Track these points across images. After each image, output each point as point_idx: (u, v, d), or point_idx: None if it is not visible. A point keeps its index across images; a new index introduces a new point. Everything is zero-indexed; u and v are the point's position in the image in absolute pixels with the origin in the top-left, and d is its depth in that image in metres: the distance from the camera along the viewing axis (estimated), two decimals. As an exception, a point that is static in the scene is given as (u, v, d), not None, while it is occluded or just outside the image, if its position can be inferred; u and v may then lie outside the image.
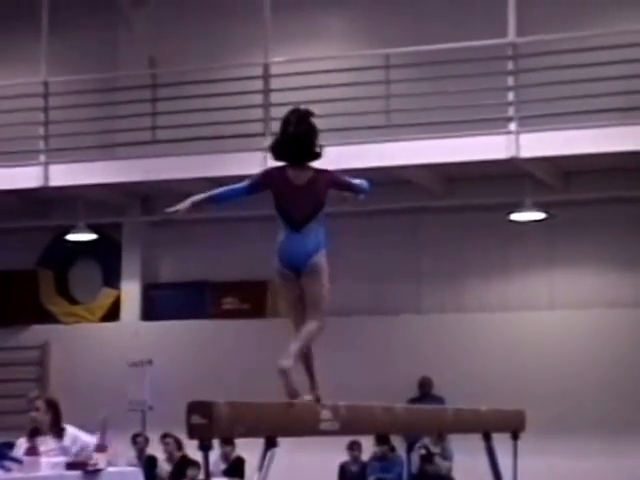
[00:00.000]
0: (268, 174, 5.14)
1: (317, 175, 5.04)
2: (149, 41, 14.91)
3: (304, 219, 5.01)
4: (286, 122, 5.00)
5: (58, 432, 7.49)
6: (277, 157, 5.09)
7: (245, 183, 5.20)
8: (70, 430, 7.64)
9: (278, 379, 4.76)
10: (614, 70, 11.71)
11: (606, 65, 11.74)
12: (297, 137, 4.95)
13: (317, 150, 5.02)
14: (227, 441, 12.19)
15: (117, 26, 15.23)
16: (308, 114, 5.01)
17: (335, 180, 5.14)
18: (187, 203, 5.09)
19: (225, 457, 12.56)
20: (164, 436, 12.69)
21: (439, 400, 12.91)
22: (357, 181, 5.26)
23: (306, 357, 5.14)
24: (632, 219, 13.26)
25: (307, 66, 13.09)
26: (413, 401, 12.82)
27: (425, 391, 13.34)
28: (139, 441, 13.13)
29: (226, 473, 12.44)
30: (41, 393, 8.02)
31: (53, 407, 7.59)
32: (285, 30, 13.85)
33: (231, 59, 14.26)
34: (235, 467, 12.49)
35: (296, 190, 4.98)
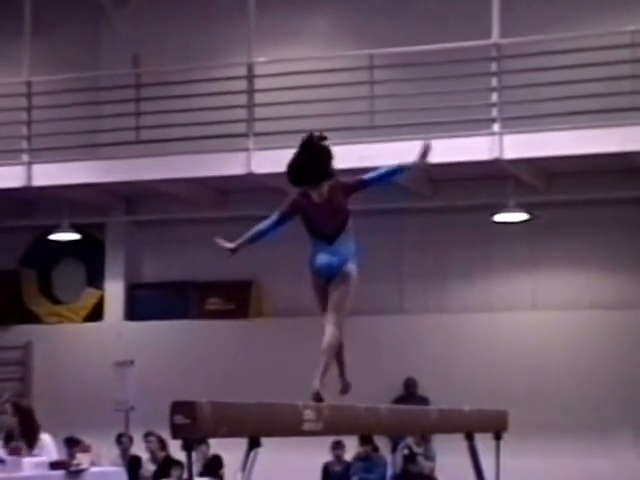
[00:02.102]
0: (294, 203, 5.43)
1: (334, 187, 5.26)
2: (132, 40, 14.89)
3: (334, 232, 5.26)
4: (300, 149, 5.28)
5: (30, 440, 7.35)
6: (295, 183, 5.34)
7: (274, 217, 5.56)
8: (45, 441, 7.48)
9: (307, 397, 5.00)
10: (597, 72, 11.76)
11: (589, 67, 11.79)
12: (309, 163, 5.21)
13: (329, 170, 5.23)
14: (201, 441, 12.20)
15: (100, 25, 15.20)
16: (320, 139, 5.25)
17: (349, 185, 5.33)
18: (228, 246, 5.66)
19: (202, 457, 12.56)
20: (147, 434, 12.69)
21: (424, 401, 12.94)
22: (371, 174, 5.42)
23: (337, 348, 5.38)
24: (615, 220, 13.32)
25: (291, 66, 13.11)
26: (397, 401, 12.86)
27: (410, 391, 13.37)
28: (123, 441, 13.13)
29: (203, 473, 12.43)
30: (10, 396, 7.76)
31: (21, 411, 7.43)
32: (269, 30, 13.86)
33: (215, 59, 14.25)
34: (212, 466, 12.49)
35: (320, 208, 5.23)
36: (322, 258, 5.26)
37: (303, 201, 5.32)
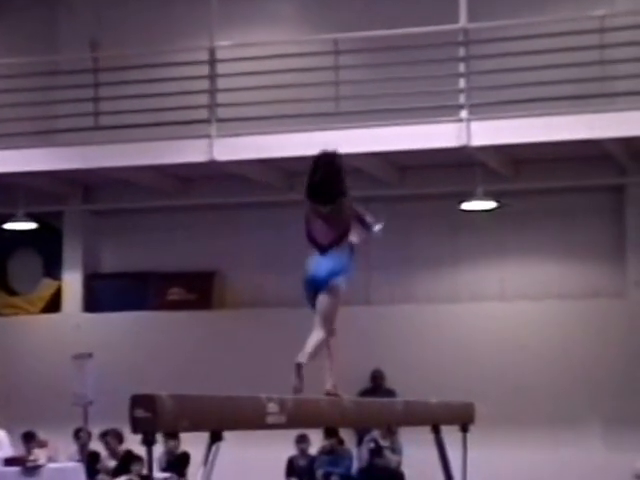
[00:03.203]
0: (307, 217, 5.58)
1: (344, 203, 5.52)
2: (91, 23, 14.80)
3: (329, 243, 5.52)
4: (313, 167, 5.50)
5: None
6: (312, 199, 5.51)
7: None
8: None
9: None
10: (566, 57, 11.82)
11: (558, 52, 11.85)
12: (328, 182, 5.46)
13: (343, 189, 5.49)
14: (171, 436, 12.18)
15: (57, 8, 15.10)
16: (333, 157, 5.55)
17: (359, 217, 5.73)
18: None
19: (170, 453, 12.55)
20: (103, 434, 12.67)
21: (391, 393, 13.00)
22: (369, 219, 5.83)
23: (328, 348, 5.63)
24: (584, 208, 13.42)
25: (254, 51, 13.08)
26: (364, 394, 12.89)
27: (377, 384, 13.42)
28: (81, 436, 13.08)
29: (169, 468, 12.43)
30: None
31: None
32: (232, 13, 13.83)
33: (176, 43, 14.20)
34: (180, 462, 12.48)
35: (324, 216, 5.49)
36: (311, 269, 5.50)
37: (310, 212, 5.54)
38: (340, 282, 5.52)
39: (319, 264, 5.50)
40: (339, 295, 5.54)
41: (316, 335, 5.49)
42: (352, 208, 5.62)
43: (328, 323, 5.54)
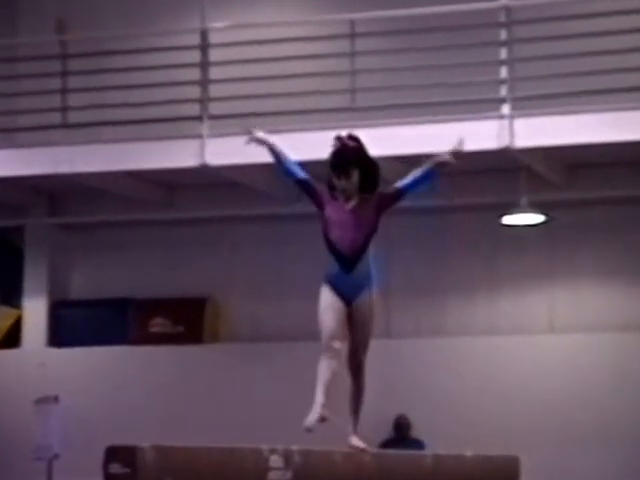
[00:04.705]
0: (320, 190, 6.05)
1: (367, 200, 6.01)
2: (56, 1, 14.89)
3: (353, 253, 5.90)
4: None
5: None
6: (334, 170, 6.03)
7: (305, 175, 6.07)
8: None
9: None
10: (632, 40, 11.83)
11: (622, 34, 11.87)
12: (347, 150, 6.06)
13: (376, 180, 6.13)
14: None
15: (18, -17, 15.21)
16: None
17: (388, 196, 6.15)
18: (255, 134, 6.08)
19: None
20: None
21: (418, 445, 12.98)
22: (405, 181, 6.22)
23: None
24: (650, 223, 13.42)
25: (254, 34, 13.13)
26: (386, 445, 12.88)
27: (402, 433, 13.40)
28: (45, 497, 13.09)
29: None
30: None
31: None
32: (227, -11, 13.93)
33: (161, 24, 14.27)
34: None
35: (344, 219, 5.93)
36: (343, 284, 5.87)
37: (329, 196, 5.94)
38: (374, 293, 5.95)
39: (344, 283, 5.83)
40: (374, 311, 6.01)
41: (360, 387, 5.95)
42: (381, 198, 6.00)
43: (367, 351, 6.00)
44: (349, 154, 5.92)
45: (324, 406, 5.66)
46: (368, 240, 5.91)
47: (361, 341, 5.95)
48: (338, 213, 5.90)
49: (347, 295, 5.84)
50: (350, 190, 5.90)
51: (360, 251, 5.86)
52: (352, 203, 5.90)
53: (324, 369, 5.77)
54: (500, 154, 12.21)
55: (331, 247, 5.89)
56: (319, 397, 5.68)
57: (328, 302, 5.88)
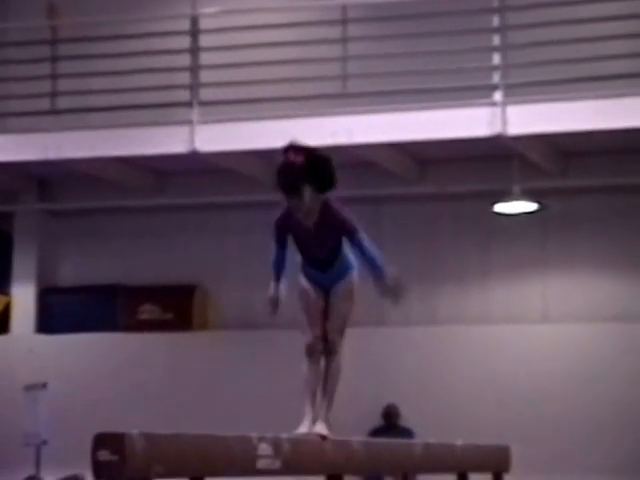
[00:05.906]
0: (280, 227, 5.85)
1: (325, 210, 5.61)
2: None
3: (327, 256, 5.69)
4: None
5: None
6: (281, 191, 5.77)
7: (274, 248, 5.87)
8: None
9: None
10: (625, 26, 11.83)
11: (615, 20, 11.86)
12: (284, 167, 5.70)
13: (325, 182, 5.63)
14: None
15: (7, -34, 15.17)
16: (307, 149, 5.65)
17: (343, 228, 5.64)
18: (272, 306, 5.81)
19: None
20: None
21: (407, 433, 13.01)
22: (363, 243, 5.65)
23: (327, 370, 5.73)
24: (643, 211, 13.42)
25: (245, 19, 13.11)
26: (375, 433, 12.91)
27: (391, 421, 13.42)
28: (33, 484, 13.10)
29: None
30: None
31: None
32: (218, -26, 13.89)
33: (151, 9, 14.23)
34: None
35: (310, 235, 5.64)
36: (319, 277, 5.70)
37: (289, 222, 5.72)
38: (354, 277, 5.72)
39: (320, 277, 5.67)
40: (355, 294, 5.77)
41: (334, 368, 5.66)
42: (343, 228, 5.58)
43: (343, 335, 5.78)
44: (295, 171, 5.54)
45: (314, 420, 5.49)
46: (336, 252, 5.65)
47: (335, 323, 5.72)
48: (300, 235, 5.66)
49: (324, 286, 5.69)
50: (304, 207, 5.56)
51: (331, 260, 5.66)
52: (312, 219, 5.58)
53: (310, 377, 5.59)
54: (492, 141, 12.21)
55: (303, 253, 5.73)
56: (309, 410, 5.51)
57: (306, 297, 5.70)
